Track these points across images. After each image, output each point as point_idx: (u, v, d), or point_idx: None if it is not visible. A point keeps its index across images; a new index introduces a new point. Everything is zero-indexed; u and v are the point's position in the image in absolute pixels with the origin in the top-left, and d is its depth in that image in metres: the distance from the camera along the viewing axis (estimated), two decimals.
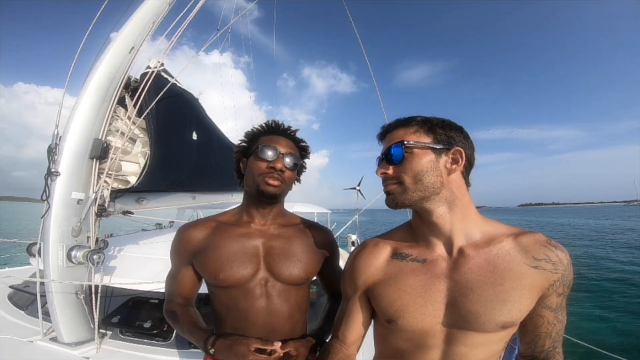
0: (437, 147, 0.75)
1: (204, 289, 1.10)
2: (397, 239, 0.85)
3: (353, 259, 0.88)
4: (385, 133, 0.84)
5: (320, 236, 1.15)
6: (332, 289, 1.22)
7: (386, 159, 0.79)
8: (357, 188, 11.05)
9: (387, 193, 0.79)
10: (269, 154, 1.03)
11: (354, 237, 6.74)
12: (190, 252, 1.05)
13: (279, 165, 1.03)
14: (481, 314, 0.70)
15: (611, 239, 19.50)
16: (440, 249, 0.78)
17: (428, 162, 0.74)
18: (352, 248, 6.27)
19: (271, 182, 1.02)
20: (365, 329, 0.91)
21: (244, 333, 0.98)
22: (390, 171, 0.77)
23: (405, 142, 0.75)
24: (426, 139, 0.76)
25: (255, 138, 1.11)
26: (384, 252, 0.84)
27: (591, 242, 18.58)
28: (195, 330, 0.99)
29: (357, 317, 0.88)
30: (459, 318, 0.72)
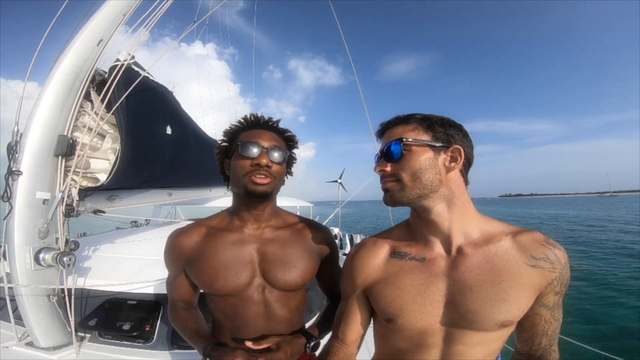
0: (436, 144, 0.74)
1: None
2: (396, 238, 0.85)
3: (351, 258, 0.87)
4: (383, 130, 0.82)
5: (317, 237, 1.08)
6: (331, 291, 1.16)
7: (384, 156, 0.78)
8: (339, 181, 11.14)
9: (385, 190, 0.78)
10: (252, 150, 0.94)
11: (336, 231, 6.80)
12: (183, 260, 1.01)
13: (264, 161, 0.94)
14: (480, 313, 0.70)
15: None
16: (438, 247, 0.77)
17: (427, 160, 0.74)
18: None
19: (258, 180, 0.94)
20: (365, 328, 0.90)
21: (243, 338, 0.94)
22: (389, 168, 0.77)
23: (404, 140, 0.74)
24: (425, 137, 0.75)
25: (235, 135, 1.03)
26: (383, 251, 0.83)
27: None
28: (196, 338, 0.97)
29: (356, 317, 0.88)
30: (458, 317, 0.72)
